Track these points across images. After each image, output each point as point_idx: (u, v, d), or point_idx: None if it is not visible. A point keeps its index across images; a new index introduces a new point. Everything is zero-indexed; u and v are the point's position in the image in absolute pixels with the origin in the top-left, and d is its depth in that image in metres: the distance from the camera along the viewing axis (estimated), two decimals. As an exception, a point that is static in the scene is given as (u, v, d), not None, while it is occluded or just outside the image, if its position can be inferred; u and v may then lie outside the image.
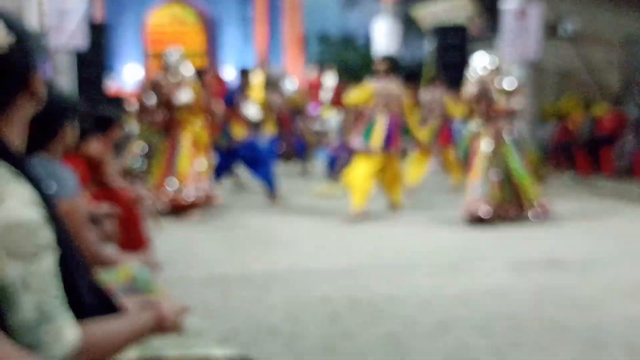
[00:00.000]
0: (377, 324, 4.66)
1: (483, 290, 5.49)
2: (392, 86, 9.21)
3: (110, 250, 3.86)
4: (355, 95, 9.38)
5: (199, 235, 7.83)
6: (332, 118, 18.22)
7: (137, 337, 1.84)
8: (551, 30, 14.30)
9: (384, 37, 19.14)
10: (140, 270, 3.05)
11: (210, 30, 27.13)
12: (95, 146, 4.82)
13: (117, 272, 2.97)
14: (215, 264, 6.46)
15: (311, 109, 17.84)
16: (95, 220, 4.00)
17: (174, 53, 9.20)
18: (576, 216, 9.05)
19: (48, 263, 1.62)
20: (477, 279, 5.88)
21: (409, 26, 19.93)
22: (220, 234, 7.84)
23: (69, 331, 1.64)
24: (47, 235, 1.63)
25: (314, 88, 18.98)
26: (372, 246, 7.28)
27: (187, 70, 9.13)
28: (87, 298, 1.80)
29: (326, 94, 18.92)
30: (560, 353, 4.12)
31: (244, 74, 11.61)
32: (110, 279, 2.83)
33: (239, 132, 10.20)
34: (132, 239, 4.57)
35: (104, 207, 4.20)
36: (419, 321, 4.72)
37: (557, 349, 4.19)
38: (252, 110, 11.84)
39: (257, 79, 15.05)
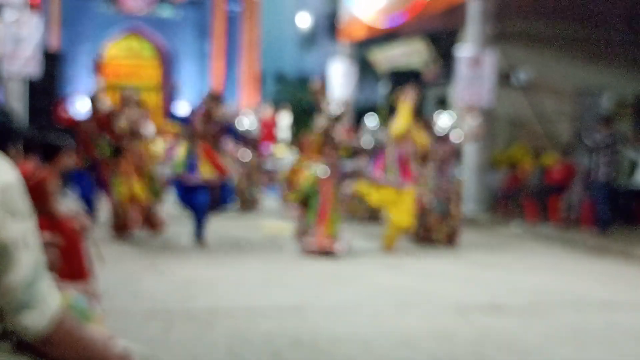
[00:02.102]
0: (318, 364, 4.62)
1: (425, 332, 5.49)
2: None
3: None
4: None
5: (143, 268, 7.71)
6: (286, 157, 18.26)
7: (101, 356, 1.86)
8: (504, 79, 14.57)
9: (340, 79, 19.31)
10: (77, 299, 2.98)
11: (167, 64, 27.10)
12: (39, 173, 4.74)
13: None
14: (158, 298, 6.36)
15: (264, 147, 17.84)
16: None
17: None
18: (522, 262, 9.14)
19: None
20: (419, 321, 5.88)
21: (365, 69, 20.13)
22: (164, 268, 7.73)
23: (55, 293, 1.77)
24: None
25: (268, 127, 19.02)
26: (318, 284, 7.25)
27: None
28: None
29: (282, 133, 18.97)
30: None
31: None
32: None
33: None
34: (73, 269, 4.48)
35: (46, 236, 4.11)
36: (361, 362, 4.69)
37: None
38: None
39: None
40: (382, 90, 19.03)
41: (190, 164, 9.05)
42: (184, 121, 9.38)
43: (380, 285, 7.32)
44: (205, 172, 9.12)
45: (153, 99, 26.91)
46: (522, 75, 15.07)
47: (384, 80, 18.05)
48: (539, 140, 14.83)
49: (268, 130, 18.92)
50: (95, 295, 3.32)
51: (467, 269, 8.50)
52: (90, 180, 10.67)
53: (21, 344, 1.80)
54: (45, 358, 1.75)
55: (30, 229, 1.73)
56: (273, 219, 12.06)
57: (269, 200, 15.28)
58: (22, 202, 1.72)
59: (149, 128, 9.72)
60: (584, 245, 10.60)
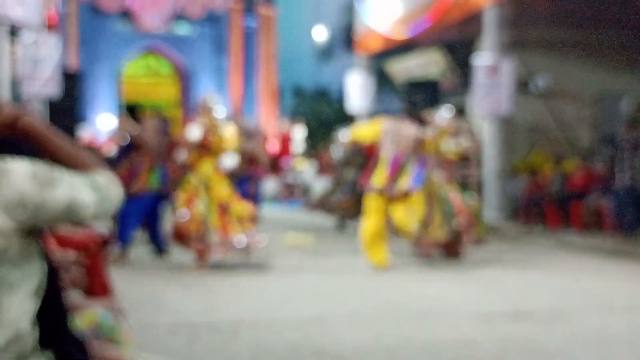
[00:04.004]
0: (343, 373, 4.62)
1: (449, 340, 5.48)
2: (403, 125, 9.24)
3: (75, 296, 3.82)
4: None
5: (165, 282, 7.74)
6: (305, 170, 18.31)
7: None
8: (523, 86, 14.53)
9: (357, 91, 19.34)
10: (104, 316, 3.02)
11: (185, 81, 27.27)
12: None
13: (82, 317, 2.93)
14: (182, 311, 6.39)
15: (283, 161, 17.91)
16: (62, 267, 3.97)
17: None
18: (544, 268, 9.10)
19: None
20: (443, 328, 5.87)
21: (382, 80, 20.18)
22: (186, 282, 7.76)
23: (109, 175, 2.09)
24: None
25: (285, 141, 19.10)
26: (340, 295, 7.25)
27: None
28: (65, 339, 1.92)
29: (297, 146, 19.05)
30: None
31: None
32: (75, 324, 2.80)
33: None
34: (96, 286, 4.52)
35: (71, 254, 4.16)
36: (386, 370, 4.68)
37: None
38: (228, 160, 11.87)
39: (229, 131, 15.07)
40: (400, 101, 19.02)
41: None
42: None
43: (402, 294, 7.32)
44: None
45: (173, 116, 27.10)
46: (541, 82, 15.04)
47: (401, 91, 18.05)
48: (559, 146, 14.77)
49: (285, 144, 19.00)
50: (120, 311, 3.35)
51: (488, 276, 8.47)
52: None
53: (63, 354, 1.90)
54: None
55: (67, 176, 1.94)
56: (294, 231, 12.07)
57: (290, 213, 15.32)
58: (49, 172, 1.92)
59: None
60: (607, 250, 10.53)
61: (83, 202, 1.94)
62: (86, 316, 2.87)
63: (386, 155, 9.01)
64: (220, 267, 8.70)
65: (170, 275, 8.16)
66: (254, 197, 13.92)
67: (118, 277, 5.89)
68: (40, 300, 1.88)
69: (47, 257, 1.96)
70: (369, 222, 8.84)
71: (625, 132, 11.58)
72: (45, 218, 1.87)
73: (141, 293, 6.92)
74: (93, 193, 1.97)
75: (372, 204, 8.90)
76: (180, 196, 8.58)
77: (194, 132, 8.64)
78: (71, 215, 1.92)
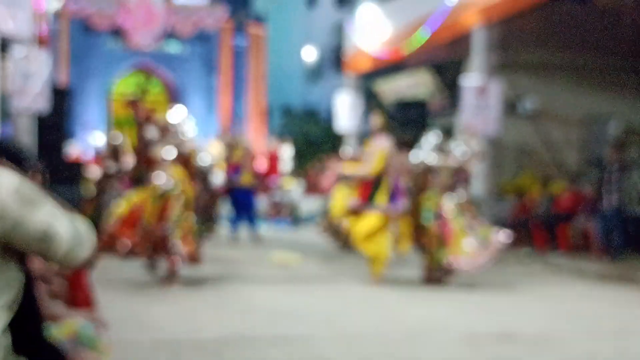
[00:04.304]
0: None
1: (436, 360, 5.45)
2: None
3: (57, 307, 3.78)
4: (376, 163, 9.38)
5: (149, 298, 7.69)
6: (293, 189, 18.29)
7: None
8: (511, 107, 14.60)
9: (346, 111, 19.37)
10: (84, 326, 3.00)
11: (175, 99, 27.24)
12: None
13: (62, 326, 2.91)
14: (166, 328, 6.33)
15: (271, 180, 17.91)
16: (44, 278, 3.94)
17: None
18: (531, 291, 9.09)
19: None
20: (430, 350, 5.84)
21: (371, 100, 20.21)
22: (171, 299, 7.71)
23: (85, 223, 2.10)
24: None
25: (272, 159, 19.12)
26: (326, 315, 7.19)
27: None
28: (39, 346, 1.99)
29: (285, 165, 19.04)
30: None
31: None
32: (55, 333, 2.77)
33: None
34: (78, 297, 4.48)
35: (53, 266, 4.13)
36: (370, 389, 4.65)
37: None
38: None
39: (216, 149, 15.11)
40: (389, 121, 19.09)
41: None
42: None
43: (389, 315, 7.28)
44: None
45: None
46: (528, 103, 15.10)
47: (390, 111, 18.09)
48: (546, 168, 14.81)
49: (273, 163, 19.01)
50: (101, 322, 3.33)
51: (476, 297, 8.45)
52: None
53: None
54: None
55: (50, 205, 1.96)
56: (281, 249, 12.02)
57: (276, 231, 15.29)
58: (34, 192, 1.93)
59: None
60: (594, 273, 10.53)
61: (59, 233, 1.94)
62: (66, 326, 2.85)
63: (388, 179, 9.19)
64: (203, 284, 8.65)
65: (154, 292, 8.10)
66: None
67: (101, 292, 5.84)
68: (14, 313, 1.87)
69: (25, 269, 1.95)
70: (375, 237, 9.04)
71: (612, 154, 11.62)
72: (20, 238, 1.86)
73: (125, 309, 6.85)
74: (71, 228, 1.98)
75: (375, 222, 9.03)
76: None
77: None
78: (45, 244, 1.91)
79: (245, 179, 13.78)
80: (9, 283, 1.86)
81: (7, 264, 1.87)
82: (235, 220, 13.83)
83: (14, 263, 1.89)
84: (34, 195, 1.91)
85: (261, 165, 18.47)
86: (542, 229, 12.87)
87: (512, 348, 5.97)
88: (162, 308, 7.20)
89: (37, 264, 3.68)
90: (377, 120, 9.57)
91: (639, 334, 6.78)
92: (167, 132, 8.93)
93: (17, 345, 1.89)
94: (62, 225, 1.95)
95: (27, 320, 1.94)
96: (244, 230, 13.76)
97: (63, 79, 23.96)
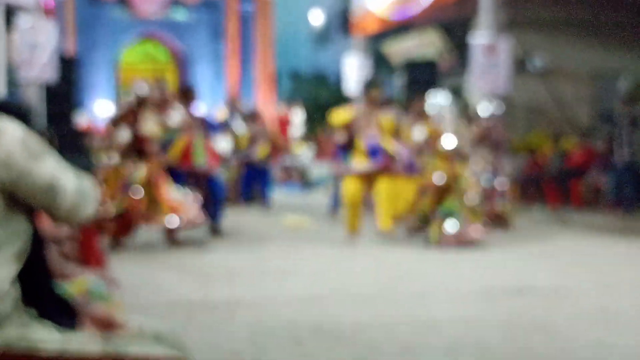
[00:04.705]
0: (341, 349, 4.59)
1: (450, 317, 5.44)
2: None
3: (68, 266, 3.80)
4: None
5: (162, 264, 7.71)
6: (303, 153, 18.27)
7: None
8: (520, 65, 14.46)
9: (354, 73, 19.24)
10: (95, 284, 3.00)
11: (182, 67, 27.19)
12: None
13: (73, 285, 2.92)
14: (179, 291, 6.35)
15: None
16: (55, 240, 3.97)
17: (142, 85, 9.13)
18: (545, 246, 9.08)
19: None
20: (444, 305, 5.83)
21: (380, 62, 20.08)
22: (184, 263, 7.74)
23: (90, 179, 2.11)
24: None
25: (283, 124, 19.08)
26: (338, 273, 7.22)
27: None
28: (48, 298, 1.96)
29: (296, 129, 19.00)
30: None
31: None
32: (66, 291, 2.78)
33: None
34: (89, 258, 4.50)
35: (64, 229, 4.15)
36: (384, 347, 4.65)
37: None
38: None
39: (224, 116, 15.10)
40: (397, 82, 18.95)
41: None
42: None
43: (402, 273, 7.28)
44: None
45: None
46: (538, 61, 14.97)
47: (399, 72, 17.96)
48: (557, 125, 14.72)
49: (283, 128, 18.97)
50: (112, 280, 3.34)
51: (490, 254, 8.44)
52: None
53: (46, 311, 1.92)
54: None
55: (54, 158, 1.95)
56: (291, 213, 12.03)
57: (287, 196, 15.30)
58: (39, 145, 1.93)
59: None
60: (607, 227, 10.51)
61: (64, 186, 1.94)
62: (77, 283, 2.85)
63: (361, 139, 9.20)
64: (215, 247, 8.68)
65: (166, 258, 8.13)
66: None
67: (114, 260, 5.88)
68: (22, 264, 1.87)
69: (33, 223, 1.94)
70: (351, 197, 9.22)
71: (623, 109, 11.53)
72: (26, 189, 1.85)
73: (137, 275, 6.87)
74: (75, 182, 1.98)
75: (352, 185, 9.19)
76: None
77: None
78: (50, 195, 1.90)
79: (262, 153, 13.76)
80: (16, 234, 1.86)
81: (15, 215, 1.86)
82: (246, 189, 13.84)
83: (22, 215, 1.89)
84: (39, 148, 1.92)
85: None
86: (554, 185, 12.82)
87: (527, 302, 5.96)
88: (173, 273, 7.22)
89: (48, 226, 3.70)
90: (376, 93, 9.49)
91: (653, 286, 6.76)
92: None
93: (27, 298, 1.89)
94: (67, 179, 1.95)
95: (37, 275, 1.95)
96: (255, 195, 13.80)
97: (70, 48, 23.91)
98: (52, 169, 1.92)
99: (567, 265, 7.80)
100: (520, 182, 13.72)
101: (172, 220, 8.41)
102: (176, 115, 9.22)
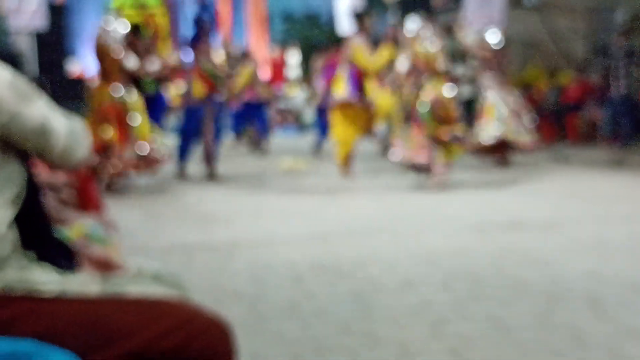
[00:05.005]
0: (341, 284, 4.63)
1: (446, 250, 5.49)
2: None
3: (66, 212, 3.80)
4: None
5: (159, 208, 7.72)
6: (298, 95, 18.18)
7: None
8: (516, 0, 14.30)
9: (347, 12, 19.03)
10: (93, 227, 3.00)
11: (173, 11, 26.83)
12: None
13: (71, 229, 2.91)
14: (178, 233, 6.38)
15: (276, 88, 17.77)
16: (52, 187, 3.96)
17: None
18: (540, 181, 9.10)
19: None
20: (440, 240, 5.87)
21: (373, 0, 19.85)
22: (182, 207, 7.75)
23: (79, 120, 2.05)
24: None
25: (278, 66, 18.91)
26: (336, 214, 7.25)
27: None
28: (46, 240, 1.94)
29: (291, 71, 18.85)
30: (521, 305, 4.10)
31: (199, 22, 10.72)
32: (64, 235, 2.78)
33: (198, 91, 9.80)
34: (87, 204, 4.49)
35: (61, 176, 4.14)
36: (383, 280, 4.70)
37: (518, 302, 4.18)
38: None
39: (219, 58, 14.92)
40: (391, 20, 18.76)
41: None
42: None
43: (398, 211, 7.31)
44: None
45: (162, 47, 26.74)
46: (533, -6, 14.83)
47: (392, 10, 17.76)
48: (553, 60, 14.62)
49: (278, 70, 18.81)
50: (111, 224, 3.33)
51: (485, 190, 8.46)
52: None
53: (45, 253, 1.91)
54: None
55: (45, 101, 1.91)
56: (288, 156, 12.03)
57: (283, 139, 15.28)
58: (28, 87, 1.88)
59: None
60: (604, 160, 10.52)
61: (56, 128, 1.90)
62: (75, 228, 2.85)
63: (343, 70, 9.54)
64: (213, 190, 8.69)
65: (163, 203, 8.14)
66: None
67: (110, 204, 5.87)
68: (19, 209, 1.85)
69: (28, 168, 1.92)
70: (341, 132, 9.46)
71: (619, 41, 11.44)
72: (17, 132, 1.83)
73: (134, 218, 6.91)
74: (67, 123, 1.95)
75: (339, 116, 9.42)
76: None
77: None
78: (42, 138, 1.87)
79: (263, 91, 13.70)
80: (11, 178, 1.84)
81: (8, 159, 1.84)
82: (238, 125, 13.86)
83: (15, 160, 1.87)
84: (29, 90, 1.88)
85: (265, 73, 18.29)
86: (550, 120, 12.80)
87: (523, 235, 6.01)
88: (170, 216, 7.24)
89: (45, 174, 3.69)
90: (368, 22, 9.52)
91: (648, 216, 6.79)
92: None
93: (26, 241, 1.88)
94: (58, 121, 1.93)
95: (35, 219, 1.93)
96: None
97: (59, -4, 23.58)
98: (43, 111, 1.88)
99: (561, 199, 7.82)
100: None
101: (142, 147, 8.50)
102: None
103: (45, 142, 1.88)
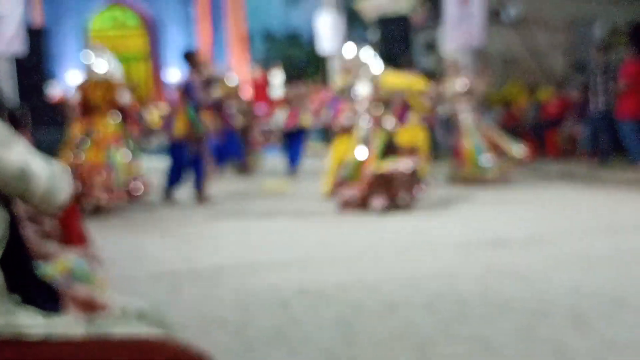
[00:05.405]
0: (325, 310, 4.64)
1: (430, 272, 5.51)
2: None
3: (50, 246, 3.78)
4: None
5: (145, 234, 7.71)
6: (279, 115, 18.17)
7: None
8: (494, 16, 14.41)
9: (328, 31, 19.13)
10: (77, 262, 2.99)
11: (153, 32, 26.87)
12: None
13: (55, 265, 2.91)
14: (163, 261, 6.38)
15: (258, 108, 17.75)
16: (34, 219, 3.93)
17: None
18: (522, 198, 9.16)
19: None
20: (423, 262, 5.90)
21: (353, 18, 19.96)
22: (167, 233, 7.74)
23: (60, 166, 2.03)
24: None
25: (260, 87, 18.89)
26: (320, 238, 7.25)
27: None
28: (30, 283, 1.94)
29: (275, 91, 18.85)
30: (506, 323, 4.14)
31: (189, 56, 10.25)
32: (48, 271, 2.77)
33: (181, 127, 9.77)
34: (71, 236, 4.48)
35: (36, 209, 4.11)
36: (367, 304, 4.71)
37: (502, 319, 4.22)
38: None
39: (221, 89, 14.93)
40: (371, 39, 18.88)
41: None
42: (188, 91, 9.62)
43: (381, 234, 7.32)
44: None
45: (142, 69, 26.77)
46: (512, 10, 14.93)
47: (372, 28, 17.88)
48: (533, 75, 14.72)
49: (261, 91, 18.79)
50: (95, 258, 3.32)
51: (467, 208, 8.50)
52: None
53: (29, 296, 1.91)
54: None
55: (24, 145, 1.91)
56: (272, 177, 12.04)
57: (267, 160, 15.27)
58: (7, 131, 1.89)
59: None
60: (584, 176, 10.59)
61: (36, 172, 1.90)
62: (59, 263, 2.84)
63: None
64: (198, 215, 8.68)
65: (148, 227, 8.12)
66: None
67: (96, 231, 5.85)
68: (2, 252, 1.86)
69: (10, 209, 1.92)
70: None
71: (597, 57, 11.54)
72: None
73: (121, 246, 6.89)
74: (47, 167, 1.94)
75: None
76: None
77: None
78: (23, 182, 1.87)
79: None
80: None
81: None
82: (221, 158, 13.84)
83: None
84: (7, 135, 1.89)
85: (247, 93, 18.28)
86: (530, 136, 12.88)
87: (506, 252, 6.05)
88: (156, 243, 7.23)
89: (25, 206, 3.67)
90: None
91: (628, 230, 6.85)
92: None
93: (10, 284, 1.89)
94: (38, 165, 1.93)
95: (18, 259, 1.93)
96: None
97: (37, 18, 23.56)
98: (22, 156, 1.88)
99: (544, 214, 7.88)
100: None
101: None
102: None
103: (26, 187, 1.88)
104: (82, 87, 9.31)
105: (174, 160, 9.79)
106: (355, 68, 8.87)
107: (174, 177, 9.81)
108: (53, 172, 1.95)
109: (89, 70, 9.37)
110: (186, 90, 9.75)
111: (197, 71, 9.83)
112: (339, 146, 9.36)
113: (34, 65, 14.32)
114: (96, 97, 9.10)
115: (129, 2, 26.55)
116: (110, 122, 9.16)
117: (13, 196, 1.90)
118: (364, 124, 8.67)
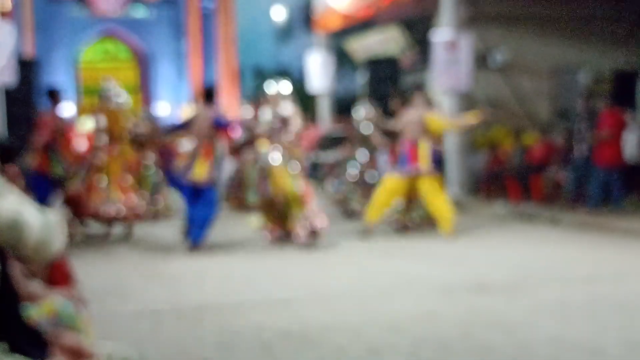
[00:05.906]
0: (308, 353, 4.67)
1: (412, 315, 5.55)
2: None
3: (35, 286, 3.79)
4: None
5: (128, 269, 7.72)
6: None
7: None
8: (481, 61, 14.61)
9: (317, 70, 19.31)
10: (64, 305, 3.00)
11: (144, 65, 27.01)
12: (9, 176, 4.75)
13: (41, 307, 2.92)
14: (146, 298, 6.38)
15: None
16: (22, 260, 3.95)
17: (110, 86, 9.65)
18: (505, 241, 9.22)
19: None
20: (406, 304, 5.94)
21: (342, 59, 20.18)
22: (150, 270, 7.74)
23: (53, 214, 2.07)
24: None
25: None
26: (304, 275, 7.29)
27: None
28: (18, 330, 1.99)
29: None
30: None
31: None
32: (33, 314, 2.78)
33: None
34: (57, 276, 4.49)
35: (28, 262, 4.14)
36: (349, 349, 4.74)
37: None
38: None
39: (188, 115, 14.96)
40: (360, 79, 19.08)
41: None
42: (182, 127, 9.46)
43: (366, 272, 7.39)
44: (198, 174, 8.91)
45: (132, 101, 26.82)
46: (499, 56, 15.13)
47: (361, 69, 18.06)
48: (518, 120, 14.88)
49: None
50: (81, 300, 3.35)
51: (450, 250, 8.56)
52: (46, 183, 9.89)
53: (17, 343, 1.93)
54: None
55: (15, 194, 1.94)
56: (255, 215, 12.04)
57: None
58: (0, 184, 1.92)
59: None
60: (567, 222, 10.67)
61: (28, 222, 1.93)
62: (45, 305, 2.86)
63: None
64: (182, 252, 8.69)
65: (132, 263, 8.13)
66: None
67: (79, 266, 5.85)
68: None
69: (2, 258, 1.95)
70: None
71: (582, 104, 11.70)
72: None
73: (104, 282, 6.89)
74: (40, 217, 1.96)
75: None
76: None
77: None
78: (16, 232, 1.90)
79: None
80: None
81: None
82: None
83: None
84: (0, 186, 1.90)
85: (235, 130, 18.31)
86: (515, 180, 12.99)
87: (488, 298, 6.10)
88: (140, 279, 7.23)
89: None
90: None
91: (610, 279, 6.92)
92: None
93: None
94: (31, 215, 1.95)
95: (6, 307, 1.96)
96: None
97: (29, 49, 23.66)
98: (14, 206, 1.90)
99: (526, 259, 7.95)
100: (483, 177, 13.90)
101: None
102: None
103: (18, 236, 1.91)
104: (107, 114, 9.58)
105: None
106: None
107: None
108: (47, 222, 1.97)
109: (108, 98, 9.64)
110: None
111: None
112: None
113: (23, 97, 14.35)
114: (118, 125, 9.47)
115: (121, 35, 26.71)
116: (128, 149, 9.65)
117: (5, 245, 1.92)
118: None
